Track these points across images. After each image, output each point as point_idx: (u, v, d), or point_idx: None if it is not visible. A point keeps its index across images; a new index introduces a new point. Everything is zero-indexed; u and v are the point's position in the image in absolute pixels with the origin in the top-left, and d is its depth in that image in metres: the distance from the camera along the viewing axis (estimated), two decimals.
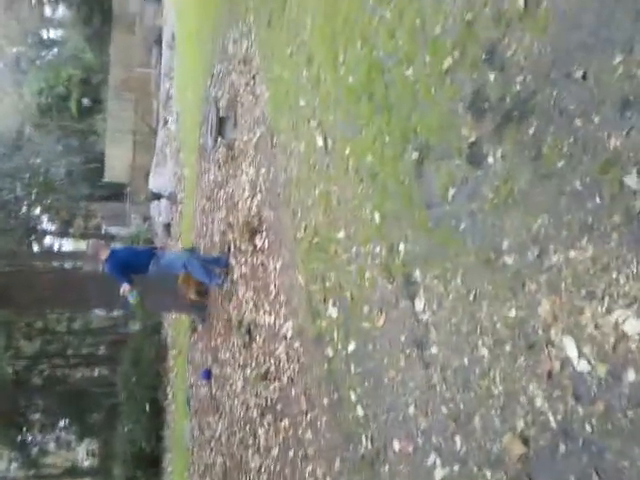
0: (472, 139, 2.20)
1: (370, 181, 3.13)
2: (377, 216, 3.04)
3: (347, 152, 3.47)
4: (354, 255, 3.36)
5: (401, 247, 2.81)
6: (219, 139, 7.26)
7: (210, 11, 9.33)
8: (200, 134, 9.47)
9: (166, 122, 16.61)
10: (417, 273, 2.68)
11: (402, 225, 2.79)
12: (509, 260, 2.01)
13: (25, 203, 19.97)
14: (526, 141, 1.91)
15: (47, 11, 30.29)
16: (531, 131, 1.89)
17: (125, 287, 6.17)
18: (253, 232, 5.70)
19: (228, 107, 7.17)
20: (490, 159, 2.11)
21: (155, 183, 17.61)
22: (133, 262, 6.48)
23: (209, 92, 8.79)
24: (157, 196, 16.06)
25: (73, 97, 23.88)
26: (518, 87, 1.95)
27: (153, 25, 21.22)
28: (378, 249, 3.06)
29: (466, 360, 2.25)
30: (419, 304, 2.64)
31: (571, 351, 1.74)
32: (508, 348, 2.01)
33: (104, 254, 6.41)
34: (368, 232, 3.17)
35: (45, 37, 32.31)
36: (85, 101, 23.83)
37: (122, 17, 22.58)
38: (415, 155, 2.63)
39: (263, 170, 5.48)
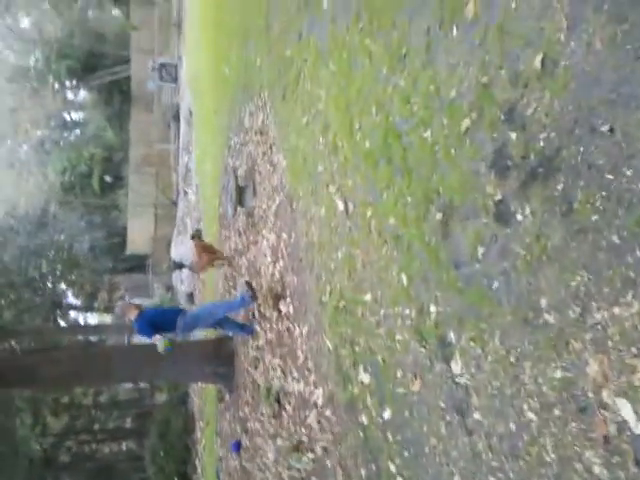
0: (498, 197, 2.19)
1: (394, 243, 3.12)
2: (404, 278, 3.00)
3: (369, 215, 3.48)
4: (383, 318, 3.30)
5: (432, 308, 2.76)
6: (239, 208, 7.38)
7: (226, 88, 9.72)
8: (220, 203, 9.65)
9: (186, 193, 17.04)
10: (451, 335, 2.60)
11: (431, 286, 2.74)
12: (550, 319, 1.95)
13: (50, 279, 20.31)
14: (555, 197, 1.89)
15: (69, 95, 31.92)
16: (560, 187, 1.87)
17: (156, 337, 6.13)
18: (277, 298, 5.67)
19: (246, 176, 7.32)
20: (519, 216, 2.08)
21: (177, 252, 17.79)
22: (161, 320, 6.46)
23: (227, 163, 9.02)
24: (179, 265, 16.16)
25: (95, 175, 24.76)
26: (542, 144, 1.95)
27: (171, 103, 22.18)
28: (407, 311, 3.00)
29: (512, 426, 2.14)
30: (456, 367, 2.55)
31: (627, 413, 1.65)
32: (557, 412, 1.92)
33: (133, 314, 6.43)
34: (396, 294, 3.12)
35: (68, 119, 33.87)
36: (107, 178, 24.67)
37: (141, 97, 23.69)
38: (439, 216, 2.62)
39: (284, 236, 5.52)
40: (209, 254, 8.11)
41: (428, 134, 2.73)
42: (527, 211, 2.04)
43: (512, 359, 2.17)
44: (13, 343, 15.85)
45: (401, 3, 2.96)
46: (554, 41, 1.87)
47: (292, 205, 5.25)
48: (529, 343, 2.08)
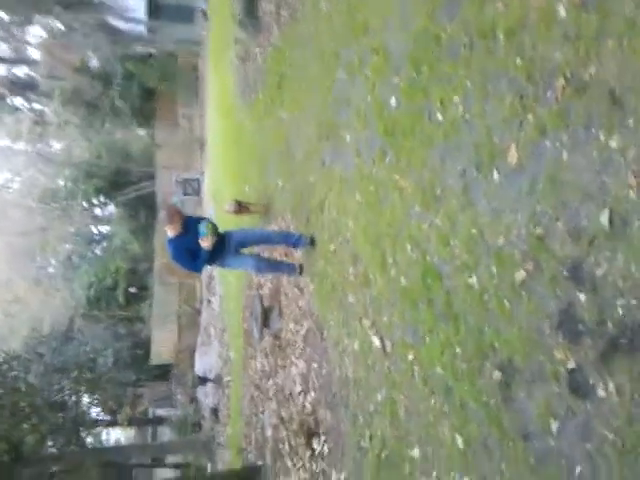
0: (571, 365, 1.89)
1: (444, 396, 2.78)
2: (459, 439, 2.64)
3: (410, 358, 3.17)
4: None
5: None
6: (264, 329, 7.11)
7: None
8: (243, 319, 9.40)
9: (209, 302, 16.91)
10: None
11: (494, 456, 2.37)
12: None
13: (73, 397, 19.81)
14: None
15: (97, 211, 33.07)
16: None
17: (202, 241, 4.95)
18: (310, 434, 5.22)
19: (271, 296, 7.11)
20: (601, 392, 1.77)
21: (201, 363, 17.37)
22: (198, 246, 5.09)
23: (251, 278, 8.87)
24: (203, 380, 15.74)
25: (120, 287, 24.95)
26: (620, 312, 1.68)
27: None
28: None
29: None
30: None
31: None
32: None
33: (174, 228, 5.06)
34: (450, 456, 2.73)
35: (95, 234, 34.87)
36: (132, 289, 24.81)
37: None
38: (497, 374, 2.31)
39: (315, 365, 5.18)
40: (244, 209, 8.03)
41: (474, 280, 2.48)
42: (611, 387, 1.73)
43: None
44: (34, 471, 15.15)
45: (430, 143, 2.84)
46: (622, 198, 1.66)
47: (322, 333, 4.96)
48: None
